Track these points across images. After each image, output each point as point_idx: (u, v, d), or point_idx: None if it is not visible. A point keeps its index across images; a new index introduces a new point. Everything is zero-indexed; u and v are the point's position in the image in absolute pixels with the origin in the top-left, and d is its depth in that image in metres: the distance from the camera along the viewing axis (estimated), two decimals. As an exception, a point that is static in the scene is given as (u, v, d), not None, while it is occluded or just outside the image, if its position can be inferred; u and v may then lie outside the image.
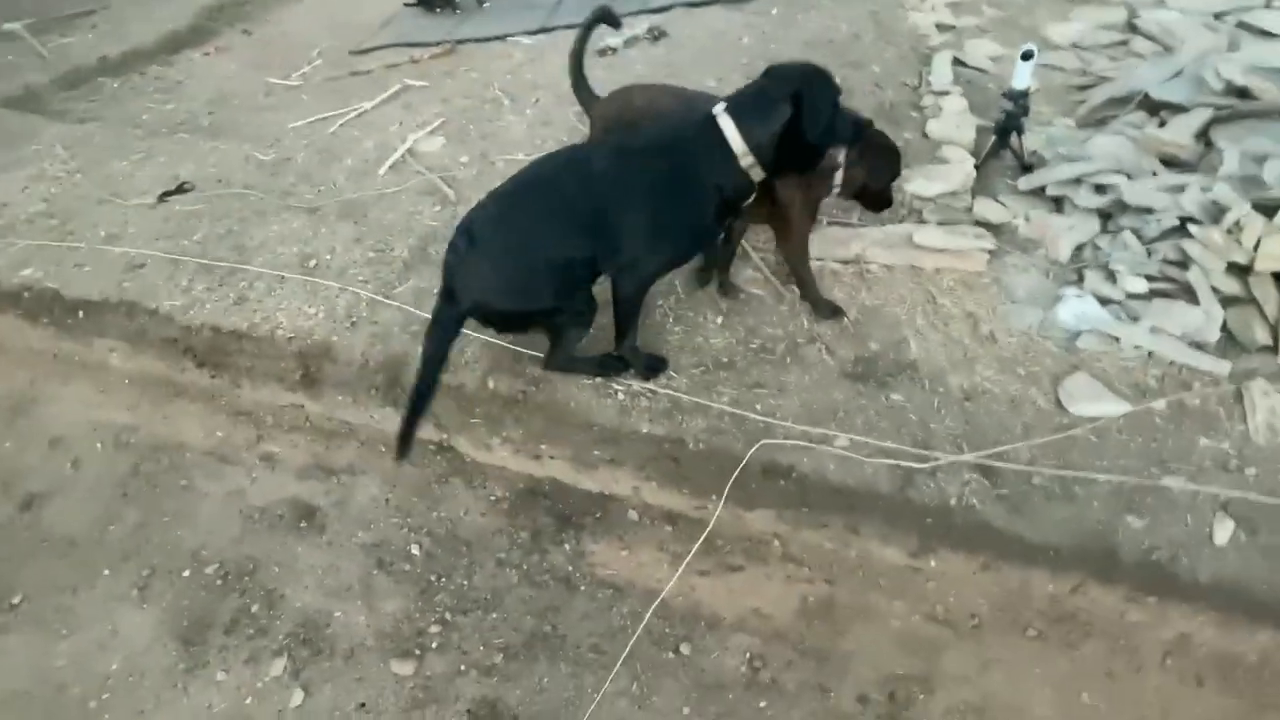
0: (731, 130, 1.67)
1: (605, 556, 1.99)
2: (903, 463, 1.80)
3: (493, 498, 2.17)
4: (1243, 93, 2.65)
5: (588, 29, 2.36)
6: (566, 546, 2.03)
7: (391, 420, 2.30)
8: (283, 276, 2.58)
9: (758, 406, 1.98)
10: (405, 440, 1.86)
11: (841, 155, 1.96)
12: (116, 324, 2.57)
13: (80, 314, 2.61)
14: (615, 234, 1.80)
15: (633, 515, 2.10)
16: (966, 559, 1.79)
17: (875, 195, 2.15)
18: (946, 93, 3.19)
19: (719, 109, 1.71)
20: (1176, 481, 1.70)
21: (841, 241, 2.42)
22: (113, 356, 2.59)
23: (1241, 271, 2.02)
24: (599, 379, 2.11)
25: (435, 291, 2.46)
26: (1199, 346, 1.98)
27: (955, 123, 2.93)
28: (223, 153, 3.40)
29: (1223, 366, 1.91)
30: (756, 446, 1.89)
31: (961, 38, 3.86)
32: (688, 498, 2.01)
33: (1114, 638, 1.74)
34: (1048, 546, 1.70)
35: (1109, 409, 1.86)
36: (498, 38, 4.52)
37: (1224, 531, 1.61)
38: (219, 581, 1.99)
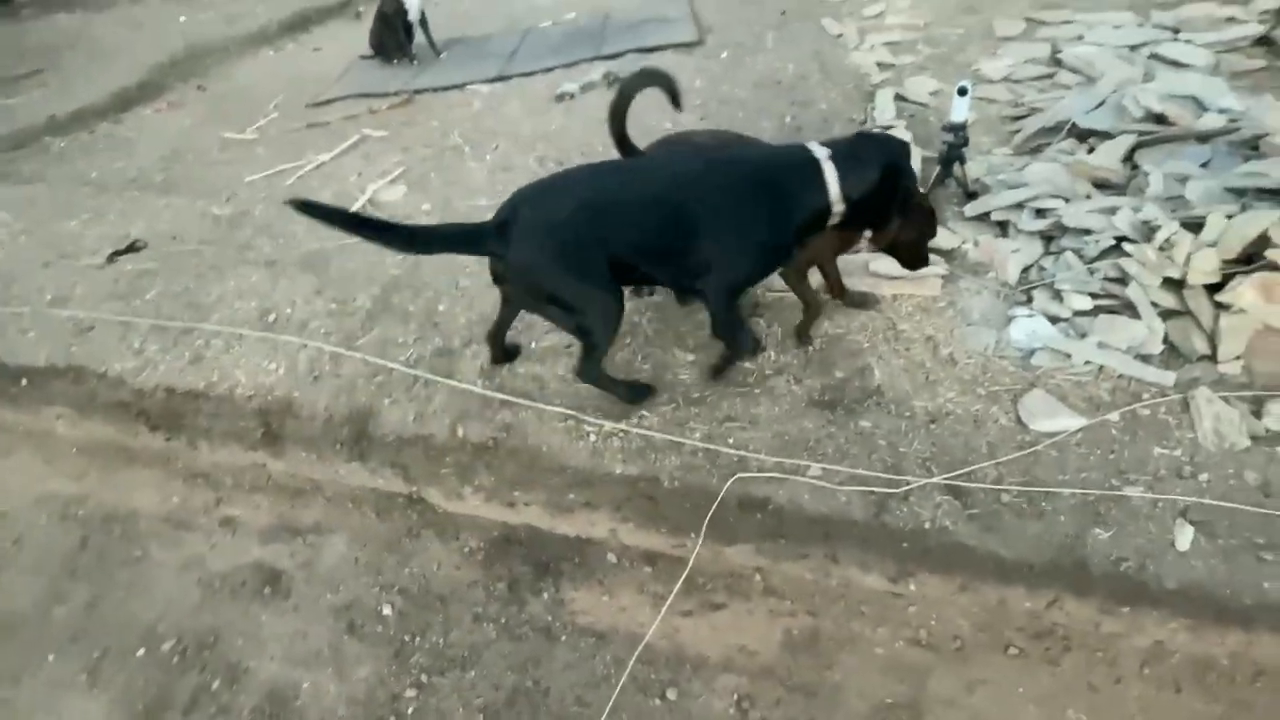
0: (832, 175, 1.78)
1: (585, 603, 1.95)
2: (875, 489, 1.83)
3: (467, 549, 2.12)
4: (1160, 119, 2.84)
5: (630, 92, 2.17)
6: (545, 595, 1.98)
7: (359, 475, 2.25)
8: (241, 333, 2.52)
9: (730, 440, 1.99)
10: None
11: None
12: (63, 390, 2.48)
13: (24, 382, 2.50)
14: (696, 238, 1.80)
15: (611, 558, 2.06)
16: (945, 581, 1.81)
17: (911, 252, 2.11)
18: (891, 127, 3.35)
19: (822, 153, 1.80)
20: (1136, 491, 1.76)
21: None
22: (59, 424, 2.48)
23: (1176, 286, 2.13)
24: (571, 422, 2.10)
25: (400, 342, 2.45)
26: (1145, 359, 2.07)
27: (901, 155, 3.05)
28: (177, 209, 3.35)
29: (1168, 377, 2.00)
30: (731, 481, 1.89)
31: (901, 75, 4.07)
32: (666, 537, 1.99)
33: (1092, 650, 1.76)
34: (1021, 563, 1.73)
35: (1066, 424, 1.92)
36: (456, 86, 4.61)
37: (1185, 538, 1.66)
38: (176, 659, 1.88)
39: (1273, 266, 1.93)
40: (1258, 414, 1.88)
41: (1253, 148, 2.49)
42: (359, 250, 2.93)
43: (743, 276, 1.94)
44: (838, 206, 1.80)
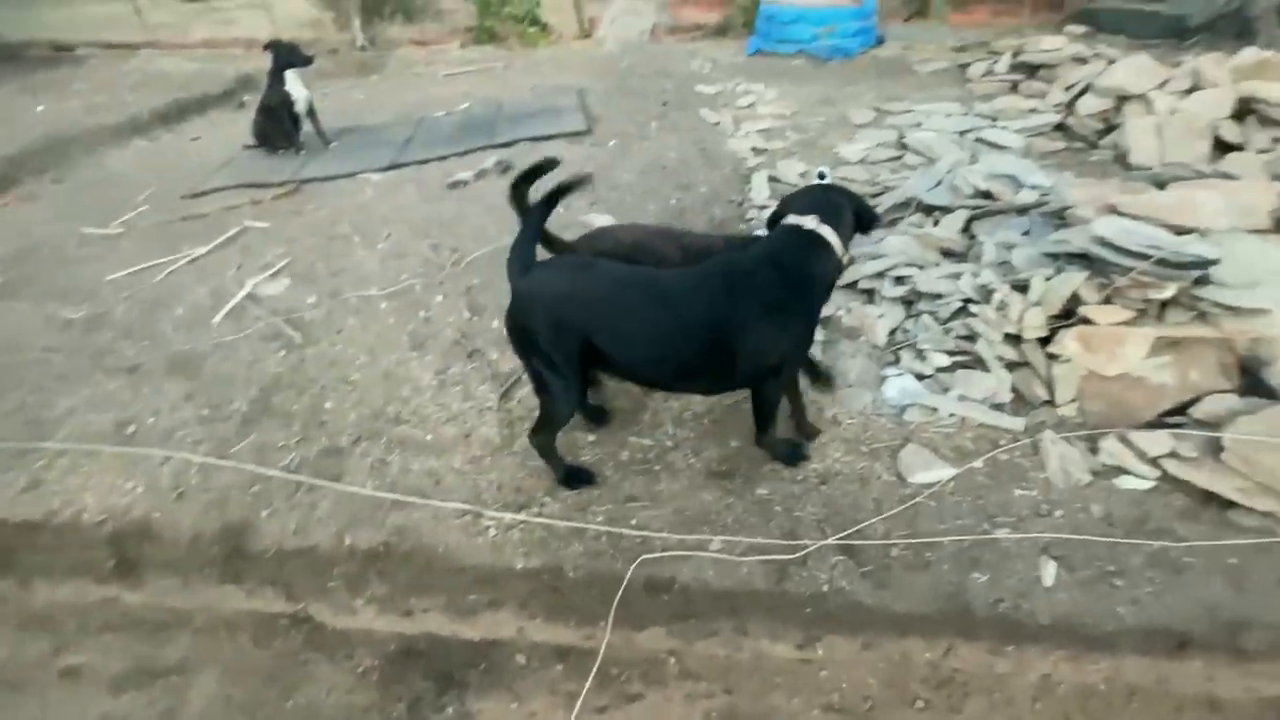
0: (830, 234, 1.90)
1: (494, 715, 1.82)
2: (774, 556, 1.87)
3: (361, 669, 1.94)
4: (987, 194, 3.28)
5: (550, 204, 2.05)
6: (450, 710, 1.83)
7: (233, 598, 2.04)
8: (92, 450, 2.27)
9: (633, 521, 1.98)
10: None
11: None
12: None
13: None
14: (733, 346, 1.84)
15: (520, 659, 1.95)
16: (849, 641, 1.85)
17: None
18: (766, 206, 3.65)
19: (809, 222, 1.89)
20: (1004, 533, 1.90)
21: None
22: None
23: (1015, 340, 2.40)
24: (469, 518, 2.02)
25: (280, 445, 2.30)
26: (998, 408, 2.30)
27: (777, 231, 3.32)
28: (19, 314, 3.04)
29: (1018, 423, 2.22)
30: (636, 563, 1.87)
31: (774, 159, 4.48)
32: (575, 629, 1.92)
33: (990, 692, 1.84)
34: (915, 615, 1.80)
35: (939, 474, 2.07)
36: (346, 175, 4.56)
37: (1049, 573, 1.81)
38: None
39: (1086, 320, 2.23)
40: (1094, 450, 2.11)
41: (1060, 218, 2.91)
42: (236, 349, 2.77)
43: (799, 359, 2.04)
44: (841, 253, 1.93)
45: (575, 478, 2.11)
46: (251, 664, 1.93)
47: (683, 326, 1.84)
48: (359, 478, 2.16)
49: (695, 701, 1.84)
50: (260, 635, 2.04)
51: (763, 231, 2.23)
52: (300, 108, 5.04)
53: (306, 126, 5.20)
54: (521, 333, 1.89)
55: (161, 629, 2.04)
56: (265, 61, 4.96)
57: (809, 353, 2.13)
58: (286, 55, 4.81)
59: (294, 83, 4.90)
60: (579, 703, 1.78)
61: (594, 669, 1.83)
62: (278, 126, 5.04)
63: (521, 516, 2.01)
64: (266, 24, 9.25)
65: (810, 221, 1.91)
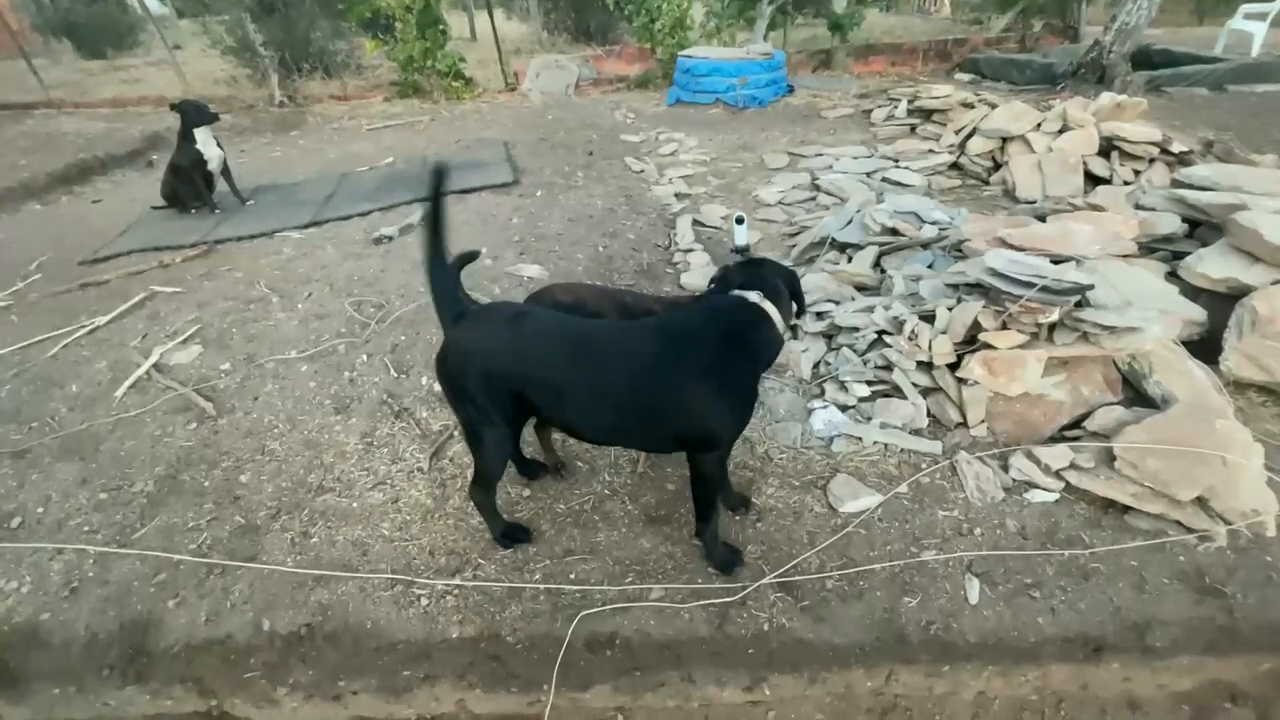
0: (772, 309, 1.85)
1: (433, 799, 1.71)
2: (714, 601, 1.87)
3: (285, 766, 1.79)
4: (894, 231, 3.51)
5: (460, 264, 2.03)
6: (385, 801, 1.71)
7: (136, 703, 1.85)
8: (-33, 550, 2.05)
9: (572, 575, 1.94)
10: None
11: None
12: None
13: None
14: (668, 406, 1.76)
15: (461, 735, 1.86)
16: (795, 679, 1.85)
17: None
18: (691, 250, 3.77)
19: (754, 297, 1.84)
20: (930, 554, 1.98)
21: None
22: None
23: (928, 367, 2.55)
24: (399, 588, 1.92)
25: (190, 526, 2.15)
26: (917, 433, 2.41)
27: (702, 274, 3.43)
28: (-116, 403, 2.75)
29: (936, 446, 2.34)
30: (577, 620, 1.83)
31: (697, 203, 4.65)
32: (517, 696, 1.84)
33: (931, 715, 1.88)
34: (854, 645, 1.83)
35: (867, 502, 2.14)
36: (264, 234, 4.42)
37: (974, 591, 1.88)
38: None
39: (988, 346, 2.40)
40: (1005, 468, 2.24)
41: (959, 250, 3.14)
42: (140, 424, 2.58)
43: (731, 439, 1.89)
44: (783, 328, 1.88)
45: (511, 536, 2.06)
46: (158, 775, 1.75)
47: (616, 382, 1.77)
48: (278, 555, 2.03)
49: (646, 759, 1.80)
50: (166, 741, 1.86)
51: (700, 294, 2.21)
52: (214, 166, 4.88)
53: (221, 185, 5.03)
54: (453, 381, 1.82)
55: (50, 747, 1.83)
56: (175, 120, 4.80)
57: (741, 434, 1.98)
58: (193, 114, 4.67)
59: (206, 141, 4.76)
60: (524, 776, 1.70)
61: (539, 738, 1.75)
62: (189, 186, 4.86)
63: (456, 581, 1.94)
64: (177, 82, 8.99)
65: (754, 296, 1.85)
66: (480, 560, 2.00)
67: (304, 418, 2.60)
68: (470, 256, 2.04)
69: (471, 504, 2.08)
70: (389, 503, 2.22)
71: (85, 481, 2.32)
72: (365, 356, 2.90)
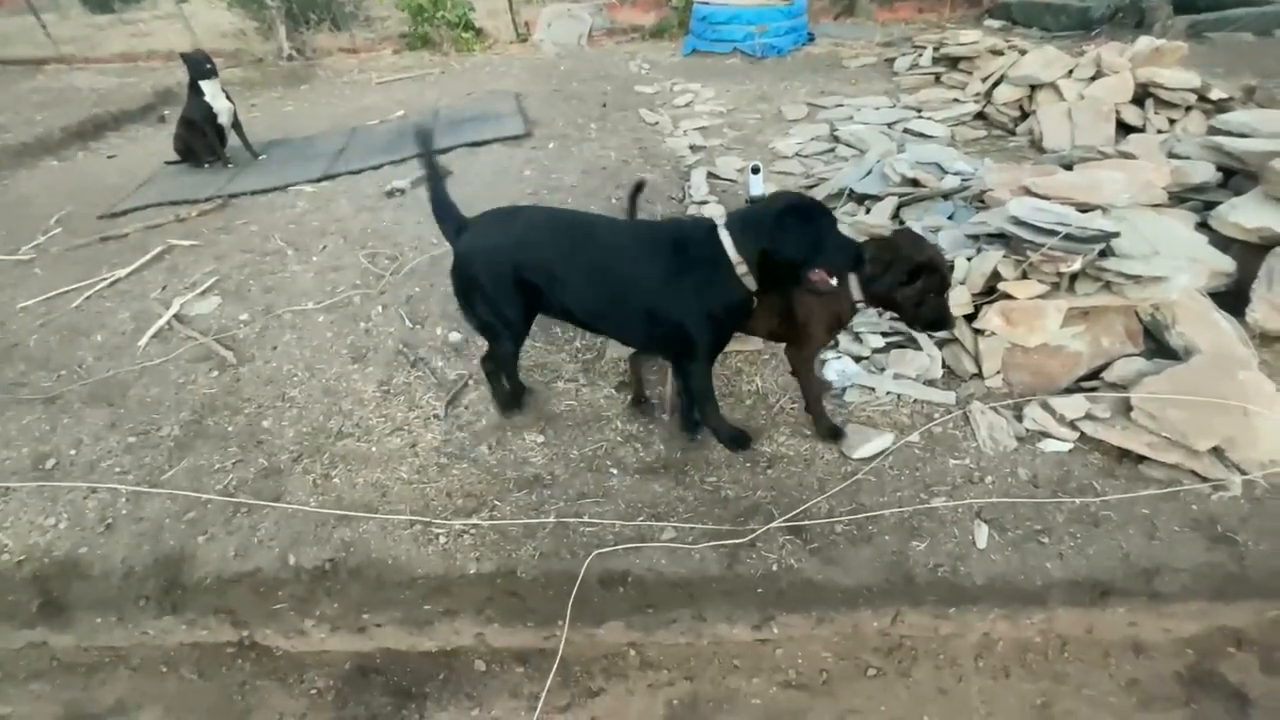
0: (729, 244, 1.82)
1: (455, 724, 1.80)
2: (725, 542, 1.91)
3: (314, 691, 1.89)
4: (914, 182, 3.41)
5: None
6: (409, 724, 1.80)
7: (174, 632, 1.96)
8: (7, 488, 2.14)
9: (585, 516, 1.99)
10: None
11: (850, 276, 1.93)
12: None
13: None
14: (633, 304, 1.92)
15: (480, 665, 1.94)
16: (803, 618, 1.90)
17: (913, 311, 1.96)
18: (706, 202, 3.71)
19: (721, 222, 1.86)
20: (940, 501, 1.99)
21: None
22: None
23: (944, 318, 2.51)
24: (418, 528, 1.99)
25: (216, 469, 2.22)
26: (931, 383, 2.40)
27: (717, 226, 3.38)
28: (-82, 350, 2.83)
29: (950, 396, 2.33)
30: (590, 558, 1.88)
31: (712, 155, 4.55)
32: (534, 630, 1.91)
33: (936, 654, 1.93)
34: (862, 587, 1.87)
35: (880, 444, 2.15)
36: (277, 189, 4.42)
37: (982, 536, 1.90)
38: None
39: (1007, 296, 2.35)
40: (1019, 418, 2.23)
41: (981, 201, 3.06)
42: (164, 372, 2.65)
43: (693, 349, 1.94)
44: (741, 269, 1.82)
45: (510, 406, 2.32)
46: (197, 698, 1.86)
47: (598, 263, 1.92)
48: (301, 496, 2.10)
49: (657, 691, 1.87)
50: (205, 667, 1.97)
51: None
52: (224, 120, 4.86)
53: (233, 140, 5.01)
54: (465, 284, 2.03)
55: (95, 671, 1.94)
56: (185, 74, 4.77)
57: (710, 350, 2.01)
58: (193, 67, 4.64)
59: (215, 94, 4.72)
60: (540, 703, 1.77)
61: (554, 668, 1.83)
62: (201, 140, 4.85)
63: (473, 521, 1.99)
64: (185, 35, 8.86)
65: (721, 228, 1.85)
66: (496, 502, 2.05)
67: (322, 366, 2.64)
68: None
69: (485, 447, 2.16)
70: (406, 447, 2.27)
71: (114, 425, 2.40)
72: (380, 307, 2.93)
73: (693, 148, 4.67)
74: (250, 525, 2.02)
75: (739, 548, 1.90)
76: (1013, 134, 4.62)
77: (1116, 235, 2.24)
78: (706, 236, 1.86)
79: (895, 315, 2.09)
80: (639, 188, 2.45)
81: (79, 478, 2.17)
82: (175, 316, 2.96)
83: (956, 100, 5.11)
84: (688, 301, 1.87)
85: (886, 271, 1.91)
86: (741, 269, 1.83)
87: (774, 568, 1.87)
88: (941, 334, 2.49)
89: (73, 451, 2.29)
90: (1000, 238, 2.51)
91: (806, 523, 1.95)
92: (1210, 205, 2.81)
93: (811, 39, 7.78)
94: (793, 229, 1.80)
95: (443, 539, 1.96)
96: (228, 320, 2.94)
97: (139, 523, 2.05)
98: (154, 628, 1.95)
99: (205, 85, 4.67)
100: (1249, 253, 2.57)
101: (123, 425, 2.39)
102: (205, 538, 2.00)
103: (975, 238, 2.64)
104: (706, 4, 7.63)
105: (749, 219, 1.87)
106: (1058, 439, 2.13)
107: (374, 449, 2.27)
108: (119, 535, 2.01)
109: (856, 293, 1.98)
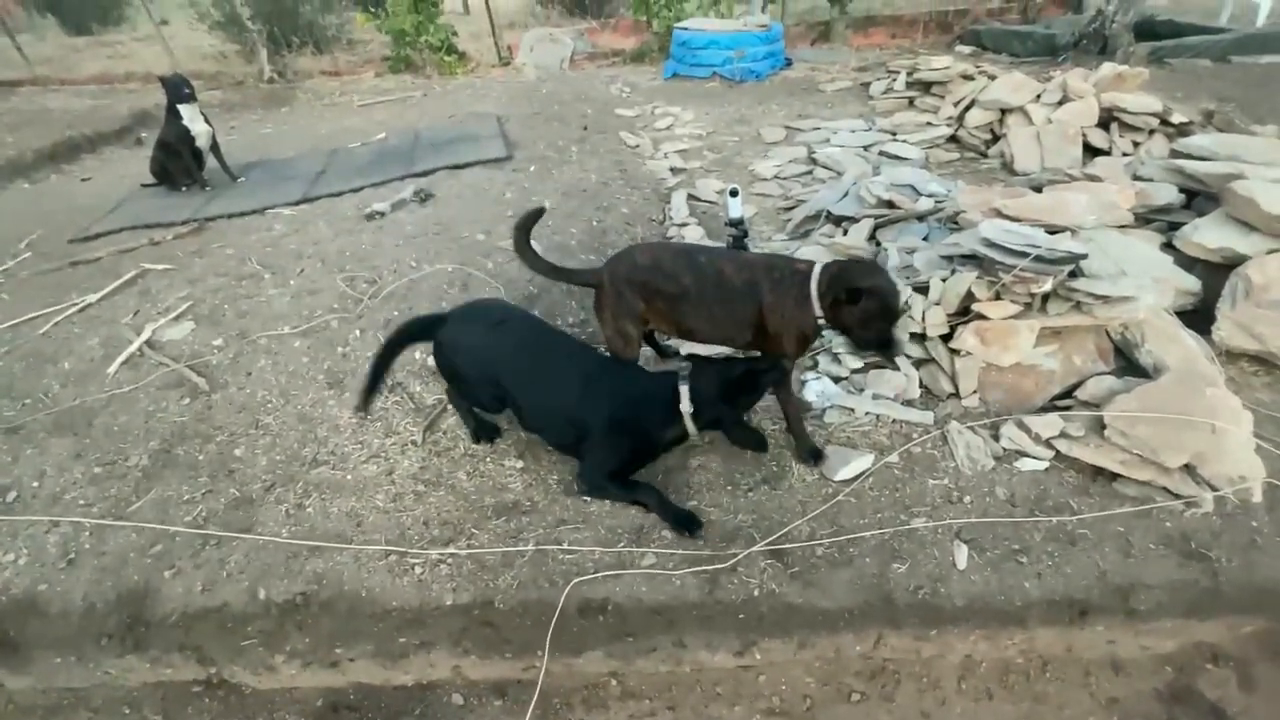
0: (687, 407, 2.03)
1: (430, 760, 1.75)
2: (706, 567, 1.89)
3: (284, 730, 1.83)
4: (890, 204, 3.48)
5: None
6: (383, 763, 1.75)
7: (137, 671, 1.89)
8: (-38, 523, 2.06)
9: (564, 543, 1.96)
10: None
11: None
12: None
13: None
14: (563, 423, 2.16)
15: (457, 699, 1.90)
16: (784, 643, 1.88)
17: (857, 333, 2.03)
18: (686, 224, 3.74)
19: (683, 393, 2.03)
20: (920, 522, 2.00)
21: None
22: None
23: (921, 338, 2.54)
24: (393, 558, 1.94)
25: (185, 500, 2.16)
26: (909, 404, 2.42)
27: (696, 248, 3.40)
28: (-122, 379, 2.74)
29: (928, 416, 2.34)
30: (569, 586, 1.85)
31: (692, 178, 4.60)
32: (512, 661, 1.87)
33: (918, 678, 1.92)
34: (843, 610, 1.85)
35: (860, 465, 2.15)
36: (255, 211, 4.37)
37: (961, 556, 1.90)
38: None
39: (981, 316, 2.39)
40: (996, 437, 2.25)
41: (954, 222, 3.12)
42: (133, 400, 2.58)
43: (591, 468, 2.15)
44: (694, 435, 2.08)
45: (481, 435, 2.33)
46: (160, 740, 1.79)
47: (551, 390, 2.13)
48: (273, 526, 2.05)
49: (639, 721, 1.83)
50: (171, 707, 1.90)
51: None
52: (202, 143, 4.82)
53: (211, 162, 4.97)
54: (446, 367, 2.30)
55: (54, 714, 1.86)
56: (163, 97, 4.74)
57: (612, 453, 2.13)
58: (171, 90, 4.62)
59: (193, 117, 4.69)
60: (518, 739, 1.73)
61: (533, 700, 1.79)
62: (178, 163, 4.81)
63: (450, 551, 1.95)
64: (164, 57, 8.83)
65: (684, 392, 2.01)
66: (474, 530, 2.02)
67: (297, 392, 2.60)
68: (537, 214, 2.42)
69: (463, 473, 2.14)
70: (383, 475, 2.23)
71: (79, 456, 2.33)
72: (358, 332, 2.89)
73: (673, 170, 4.72)
74: (219, 558, 1.96)
75: (720, 573, 1.88)
76: (985, 156, 4.73)
77: (1084, 256, 2.29)
78: (669, 394, 2.04)
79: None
80: (535, 216, 2.37)
81: (40, 511, 2.10)
82: (147, 342, 2.89)
83: (930, 124, 5.23)
84: (630, 434, 2.09)
85: (828, 289, 1.99)
86: (688, 419, 2.04)
87: (755, 592, 1.85)
88: (886, 358, 2.46)
89: (35, 483, 2.22)
90: (973, 259, 2.55)
91: (787, 546, 1.94)
92: (1175, 226, 2.89)
93: (789, 64, 7.95)
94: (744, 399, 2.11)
95: (419, 569, 1.91)
96: (201, 346, 2.89)
97: (101, 557, 1.98)
98: (116, 667, 1.88)
99: (183, 109, 4.64)
100: (1213, 272, 2.64)
101: (88, 455, 2.32)
102: (171, 572, 1.94)
103: (949, 259, 2.68)
104: (686, 29, 7.78)
105: (707, 386, 2.05)
106: (1034, 457, 2.16)
107: (349, 477, 2.22)
108: (81, 571, 1.95)
109: (817, 308, 2.01)
